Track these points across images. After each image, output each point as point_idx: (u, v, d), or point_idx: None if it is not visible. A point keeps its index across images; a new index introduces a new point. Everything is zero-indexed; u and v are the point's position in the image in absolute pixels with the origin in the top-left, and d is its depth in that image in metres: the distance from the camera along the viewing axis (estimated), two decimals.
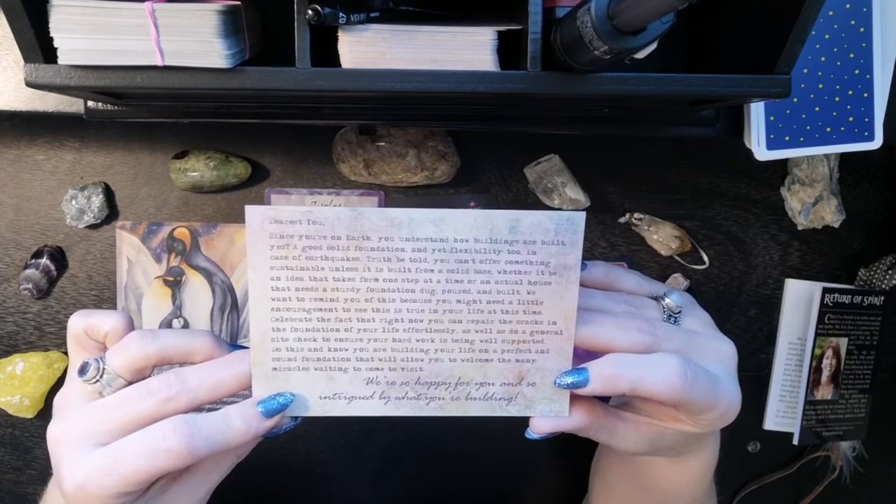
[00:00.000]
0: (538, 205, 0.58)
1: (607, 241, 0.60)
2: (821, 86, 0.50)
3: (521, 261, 0.35)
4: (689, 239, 0.59)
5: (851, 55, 0.50)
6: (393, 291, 0.35)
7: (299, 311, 0.35)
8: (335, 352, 0.35)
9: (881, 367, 0.64)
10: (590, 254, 0.60)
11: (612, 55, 0.32)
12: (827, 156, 0.59)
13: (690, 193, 0.60)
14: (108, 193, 0.55)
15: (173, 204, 0.56)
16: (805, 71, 0.50)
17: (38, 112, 0.49)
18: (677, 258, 0.60)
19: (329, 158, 0.56)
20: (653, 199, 0.59)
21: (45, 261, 0.55)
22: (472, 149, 0.57)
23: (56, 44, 0.34)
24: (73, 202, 0.54)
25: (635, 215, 0.59)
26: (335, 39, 0.36)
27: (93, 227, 0.56)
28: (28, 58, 0.34)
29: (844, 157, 0.60)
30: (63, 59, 0.34)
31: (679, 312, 0.39)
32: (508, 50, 0.37)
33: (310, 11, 0.32)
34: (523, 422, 0.37)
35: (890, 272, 0.61)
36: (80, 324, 0.36)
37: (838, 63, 0.50)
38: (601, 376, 0.35)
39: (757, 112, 0.50)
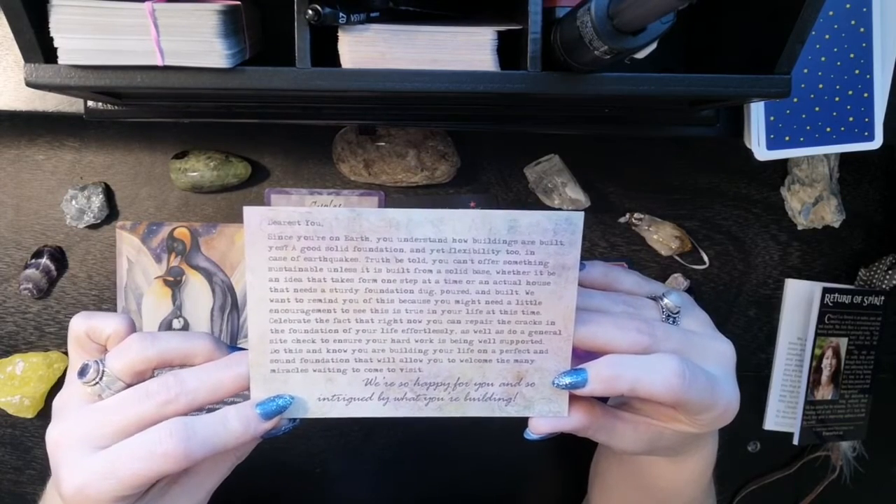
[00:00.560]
0: (538, 205, 0.58)
1: (607, 241, 0.60)
2: (821, 86, 0.50)
3: (519, 261, 0.35)
4: (689, 239, 0.59)
5: (851, 55, 0.49)
6: (391, 292, 0.35)
7: (298, 312, 0.34)
8: (334, 353, 0.35)
9: (881, 367, 0.64)
10: (590, 254, 0.60)
11: (612, 55, 0.32)
12: (827, 156, 0.58)
13: (690, 193, 0.60)
14: (108, 193, 0.55)
15: (173, 204, 0.56)
16: (805, 71, 0.50)
17: (38, 112, 0.49)
18: (677, 258, 0.60)
19: (329, 158, 0.56)
20: (653, 199, 0.59)
21: (45, 261, 0.55)
22: (472, 149, 0.57)
23: (56, 44, 0.34)
24: (73, 202, 0.54)
25: (635, 215, 0.59)
26: (335, 39, 0.36)
27: (93, 227, 0.56)
28: (28, 58, 0.34)
29: (844, 157, 0.60)
30: (63, 59, 0.34)
31: (678, 313, 0.39)
32: (508, 50, 0.37)
33: (310, 11, 0.32)
34: (522, 422, 0.37)
35: (890, 272, 0.61)
36: (83, 326, 0.36)
37: (838, 63, 0.50)
38: (600, 377, 0.35)
39: (757, 112, 0.50)
